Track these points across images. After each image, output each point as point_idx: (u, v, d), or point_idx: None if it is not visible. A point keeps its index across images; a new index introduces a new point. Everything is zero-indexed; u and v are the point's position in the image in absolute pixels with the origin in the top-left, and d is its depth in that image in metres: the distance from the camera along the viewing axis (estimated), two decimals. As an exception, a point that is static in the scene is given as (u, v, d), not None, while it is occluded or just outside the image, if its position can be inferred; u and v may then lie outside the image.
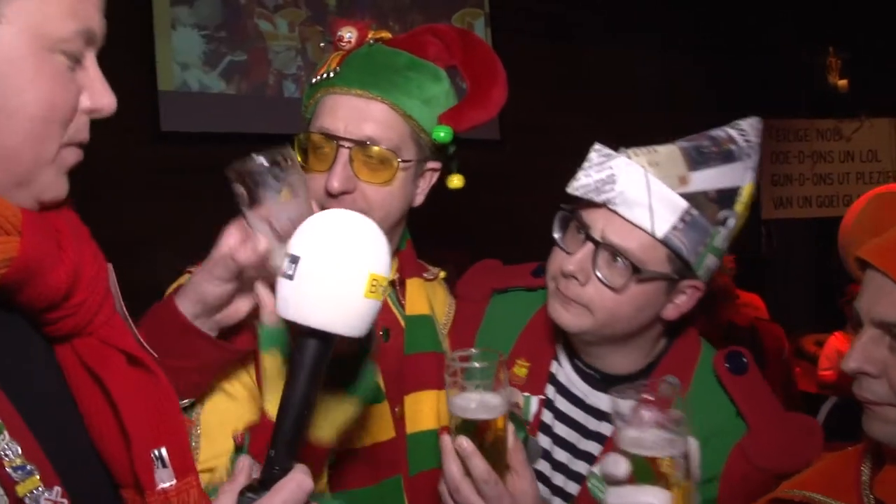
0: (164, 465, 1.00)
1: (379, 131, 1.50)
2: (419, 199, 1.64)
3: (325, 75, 1.56)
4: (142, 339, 1.08)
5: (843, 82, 6.58)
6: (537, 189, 4.48)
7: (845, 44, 6.26)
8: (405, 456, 1.57)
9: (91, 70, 0.97)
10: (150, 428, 1.01)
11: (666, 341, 1.65)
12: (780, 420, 1.52)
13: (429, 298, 1.70)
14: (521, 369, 1.67)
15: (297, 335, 1.02)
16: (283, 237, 1.17)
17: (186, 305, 1.25)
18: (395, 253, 1.66)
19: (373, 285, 0.98)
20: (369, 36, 1.59)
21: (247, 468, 1.00)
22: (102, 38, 0.98)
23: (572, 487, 1.60)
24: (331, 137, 1.50)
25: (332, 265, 0.98)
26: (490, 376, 1.33)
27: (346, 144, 1.49)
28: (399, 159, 1.51)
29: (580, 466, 1.60)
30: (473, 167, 4.57)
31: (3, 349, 0.94)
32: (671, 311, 1.55)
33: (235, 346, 1.31)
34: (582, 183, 1.49)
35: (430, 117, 1.55)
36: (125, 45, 3.42)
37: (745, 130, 1.57)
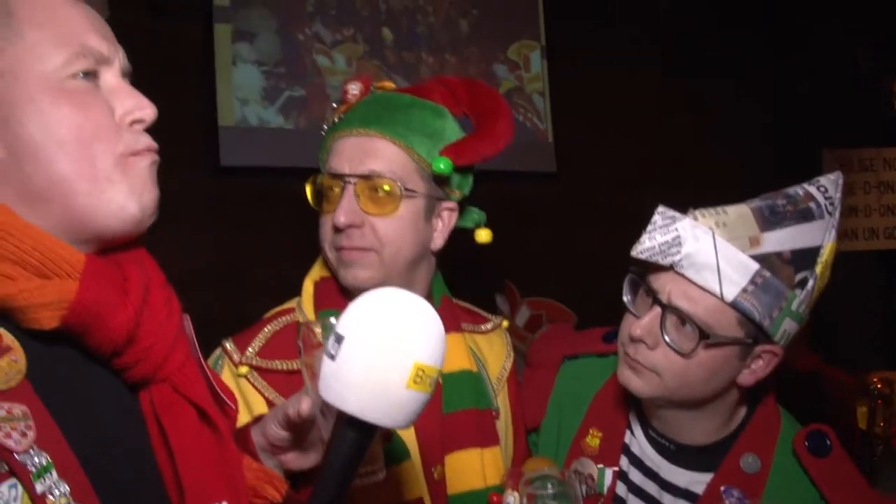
0: None
1: (382, 165, 1.52)
2: (438, 242, 1.62)
3: (332, 123, 1.61)
4: (218, 387, 1.08)
5: (913, 109, 6.40)
6: (594, 221, 4.45)
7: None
8: None
9: (112, 83, 1.01)
10: (209, 483, 1.00)
11: (746, 410, 1.59)
12: None
13: (474, 351, 1.67)
14: (593, 439, 1.63)
15: (337, 418, 0.96)
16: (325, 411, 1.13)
17: (256, 431, 1.24)
18: None
19: (418, 375, 0.90)
20: (373, 86, 1.64)
21: None
22: (112, 53, 1.02)
23: None
24: (337, 177, 1.53)
25: (373, 349, 0.90)
26: (564, 496, 1.34)
27: (352, 180, 1.51)
28: (403, 187, 1.51)
29: None
30: (530, 199, 4.55)
31: (73, 393, 0.95)
32: (747, 378, 1.49)
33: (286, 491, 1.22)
34: (646, 246, 1.45)
35: (434, 151, 1.55)
36: (188, 83, 3.51)
37: (825, 187, 1.51)
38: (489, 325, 1.77)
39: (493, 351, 1.73)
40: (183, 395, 1.02)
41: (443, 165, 1.52)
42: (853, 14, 5.07)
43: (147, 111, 1.03)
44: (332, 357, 0.92)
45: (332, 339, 0.93)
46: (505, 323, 1.81)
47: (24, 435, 0.85)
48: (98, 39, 1.00)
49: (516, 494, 1.49)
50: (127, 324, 0.95)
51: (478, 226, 1.68)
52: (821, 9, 5.03)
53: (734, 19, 4.91)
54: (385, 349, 0.90)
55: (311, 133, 3.96)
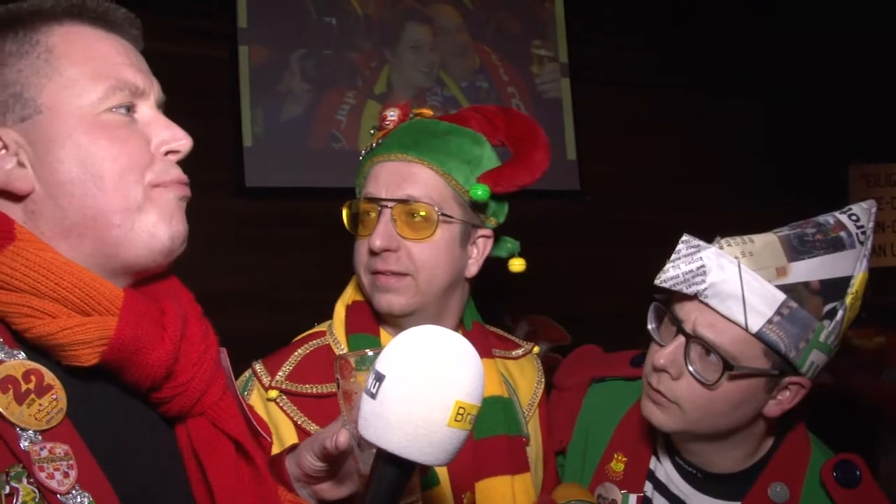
0: None
1: (419, 190, 1.53)
2: (473, 269, 1.62)
3: (370, 148, 1.62)
4: (254, 420, 1.09)
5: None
6: (619, 239, 4.43)
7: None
8: None
9: (149, 114, 1.03)
10: None
11: (774, 440, 1.56)
12: None
13: (505, 377, 1.67)
14: (618, 464, 1.62)
15: (377, 455, 0.96)
16: (361, 443, 1.14)
17: (290, 461, 1.26)
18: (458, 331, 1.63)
19: (459, 414, 0.90)
20: (411, 112, 1.65)
21: None
22: (147, 85, 1.04)
23: None
24: (374, 201, 1.54)
25: (415, 389, 0.90)
26: None
27: (389, 205, 1.53)
28: (439, 213, 1.52)
29: None
30: (555, 218, 4.53)
31: (112, 429, 0.96)
32: (773, 409, 1.47)
33: None
34: (670, 275, 1.44)
35: (472, 178, 1.56)
36: (212, 105, 3.53)
37: (857, 216, 1.48)
38: (520, 351, 1.77)
39: (524, 377, 1.73)
40: (221, 430, 1.03)
41: (480, 192, 1.53)
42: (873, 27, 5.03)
43: (183, 142, 1.04)
44: (373, 395, 0.91)
45: (371, 378, 0.92)
46: (536, 349, 1.81)
47: (66, 475, 0.86)
48: (134, 73, 1.02)
49: None
50: (165, 359, 0.96)
51: (511, 255, 1.68)
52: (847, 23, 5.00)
53: (756, 37, 4.89)
54: (426, 388, 0.89)
55: (335, 153, 3.99)
